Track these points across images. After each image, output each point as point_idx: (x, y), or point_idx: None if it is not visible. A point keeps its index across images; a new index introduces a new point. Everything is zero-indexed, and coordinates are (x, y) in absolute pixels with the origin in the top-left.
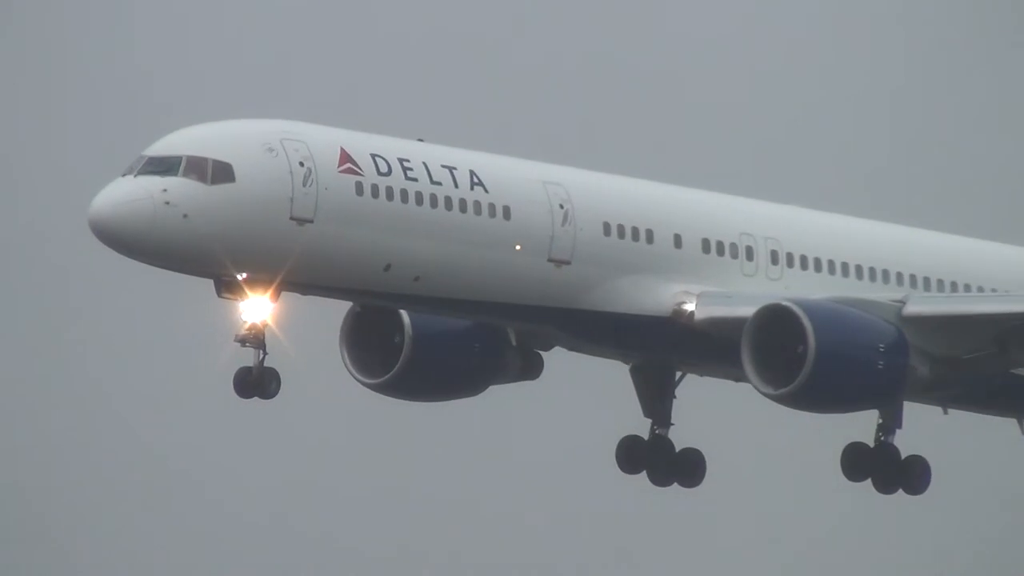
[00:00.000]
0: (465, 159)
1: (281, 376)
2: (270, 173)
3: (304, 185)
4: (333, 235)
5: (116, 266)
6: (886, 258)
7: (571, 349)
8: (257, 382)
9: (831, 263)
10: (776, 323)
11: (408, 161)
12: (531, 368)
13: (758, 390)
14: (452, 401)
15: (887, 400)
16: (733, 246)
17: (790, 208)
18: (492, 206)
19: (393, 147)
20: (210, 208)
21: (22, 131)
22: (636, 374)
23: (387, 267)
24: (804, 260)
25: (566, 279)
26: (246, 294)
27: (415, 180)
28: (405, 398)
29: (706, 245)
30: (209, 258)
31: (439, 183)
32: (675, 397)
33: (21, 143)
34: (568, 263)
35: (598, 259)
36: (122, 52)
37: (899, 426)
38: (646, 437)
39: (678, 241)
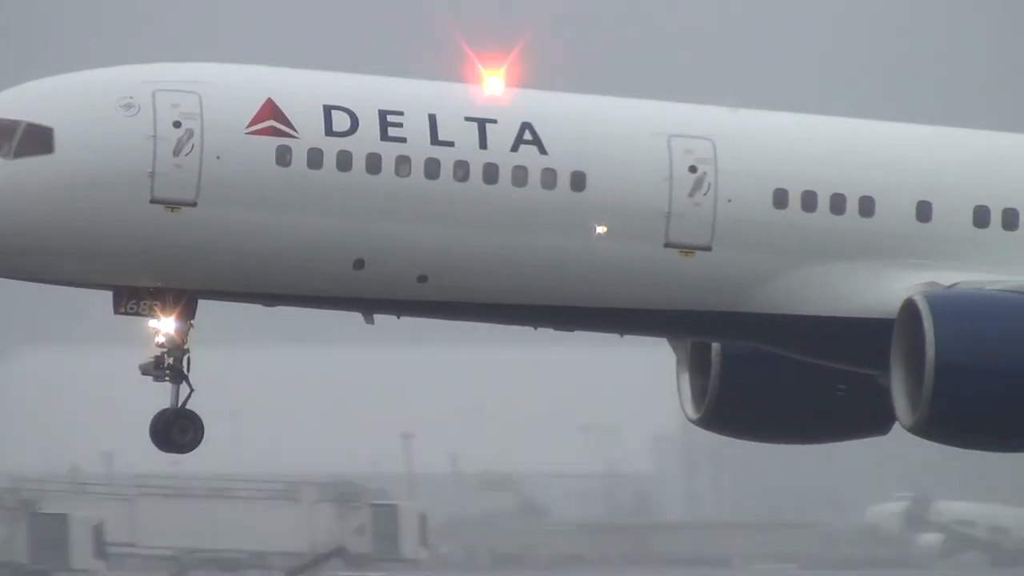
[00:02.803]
0: (525, 107)
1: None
2: (116, 139)
3: (177, 154)
4: (238, 223)
5: None
6: None
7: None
8: (167, 429)
9: None
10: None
11: (398, 114)
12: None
13: (901, 423)
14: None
15: None
16: None
17: None
18: (549, 172)
19: (381, 94)
20: (6, 191)
21: None
22: None
23: (359, 264)
24: None
25: (704, 272)
26: (155, 309)
27: (400, 140)
28: (743, 437)
29: (982, 215)
30: (13, 259)
31: (448, 143)
32: None
33: None
34: (706, 249)
35: (764, 242)
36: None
37: None
38: None
39: (924, 211)
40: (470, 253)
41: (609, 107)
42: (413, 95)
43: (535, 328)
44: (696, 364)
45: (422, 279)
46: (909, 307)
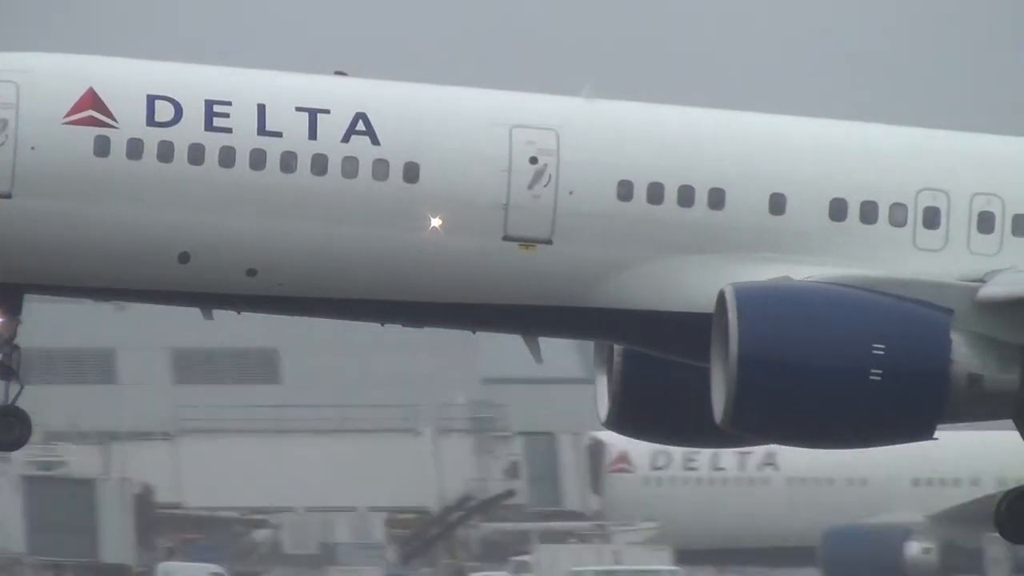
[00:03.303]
0: (362, 97)
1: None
2: None
3: None
4: (55, 215)
5: None
6: None
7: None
8: None
9: None
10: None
11: (226, 104)
12: None
13: (715, 418)
14: None
15: (906, 429)
16: (898, 208)
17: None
18: (381, 163)
19: (211, 84)
20: None
21: None
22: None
23: (183, 257)
24: None
25: (544, 266)
26: None
27: (225, 131)
28: (646, 439)
29: (839, 208)
30: None
31: (276, 134)
32: None
33: None
34: (546, 242)
35: (608, 235)
36: None
37: None
38: None
39: (778, 204)
40: (299, 246)
41: (452, 97)
42: (245, 85)
43: (382, 324)
44: (609, 365)
45: (251, 273)
46: (720, 299)
